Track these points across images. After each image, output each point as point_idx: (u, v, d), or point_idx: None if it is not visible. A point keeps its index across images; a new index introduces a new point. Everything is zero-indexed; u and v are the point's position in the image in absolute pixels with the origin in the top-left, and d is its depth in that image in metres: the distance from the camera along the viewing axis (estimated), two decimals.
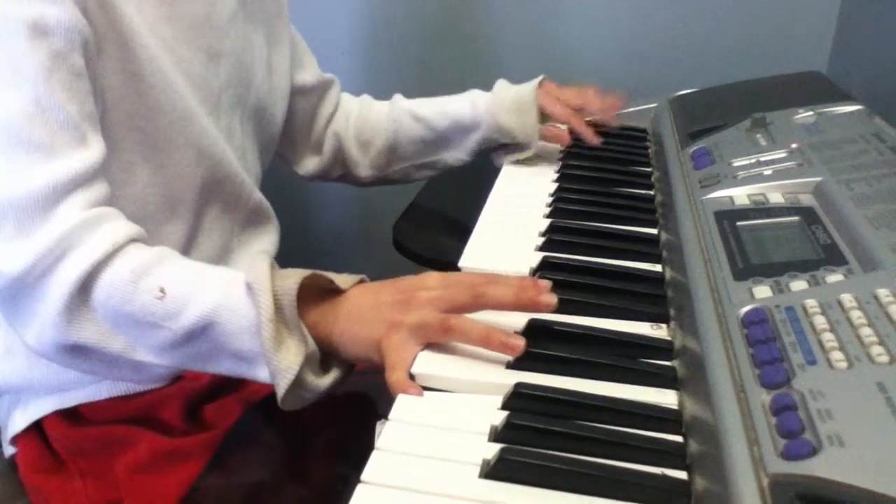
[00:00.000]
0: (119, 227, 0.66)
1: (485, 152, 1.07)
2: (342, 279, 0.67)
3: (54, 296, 0.63)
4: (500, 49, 1.54)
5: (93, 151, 0.67)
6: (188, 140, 0.77)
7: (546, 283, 0.63)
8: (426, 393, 0.58)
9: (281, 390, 0.62)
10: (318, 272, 0.65)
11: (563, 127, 1.07)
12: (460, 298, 0.63)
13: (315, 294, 0.65)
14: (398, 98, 1.08)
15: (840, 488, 0.39)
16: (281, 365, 0.61)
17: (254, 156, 0.92)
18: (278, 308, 0.61)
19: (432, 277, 0.65)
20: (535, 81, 1.02)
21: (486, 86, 1.50)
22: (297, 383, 0.62)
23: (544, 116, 1.02)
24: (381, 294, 0.65)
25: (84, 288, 0.63)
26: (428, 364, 0.61)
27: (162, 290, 0.63)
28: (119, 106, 0.72)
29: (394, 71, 1.61)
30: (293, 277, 0.62)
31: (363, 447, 0.52)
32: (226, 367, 0.66)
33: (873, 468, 0.39)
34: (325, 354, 0.65)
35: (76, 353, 0.66)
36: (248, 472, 0.75)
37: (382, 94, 1.60)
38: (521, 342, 0.60)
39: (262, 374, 0.64)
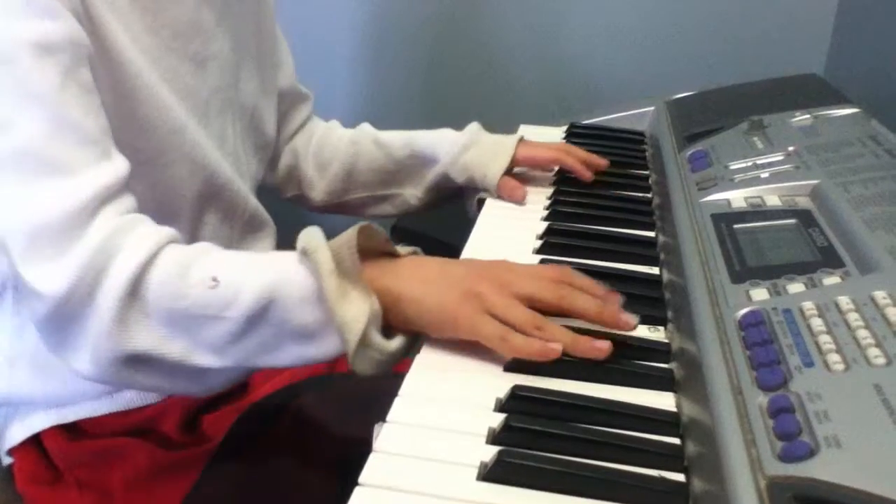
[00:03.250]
0: (155, 229, 0.64)
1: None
2: (401, 249, 0.66)
3: (105, 306, 0.60)
4: (501, 51, 1.54)
5: (117, 164, 0.65)
6: (181, 153, 0.76)
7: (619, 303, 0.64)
8: (425, 393, 0.58)
9: (351, 345, 0.59)
10: (373, 224, 0.63)
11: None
12: (544, 296, 0.63)
13: (371, 254, 0.64)
14: (365, 125, 1.04)
15: (837, 490, 0.39)
16: (347, 317, 0.59)
17: (248, 158, 0.90)
18: (338, 261, 0.60)
19: (505, 264, 0.66)
20: (517, 136, 0.98)
21: (483, 88, 1.50)
22: (365, 341, 0.60)
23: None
24: (448, 264, 0.66)
25: (134, 292, 0.61)
26: (425, 366, 0.61)
27: (214, 279, 0.61)
28: (110, 123, 0.69)
29: (394, 72, 1.61)
30: (347, 231, 0.62)
31: (360, 450, 0.52)
32: (292, 354, 0.63)
33: (870, 469, 0.39)
34: (386, 320, 0.62)
35: (134, 365, 0.62)
36: (243, 480, 0.75)
37: (385, 97, 1.60)
38: (609, 343, 0.60)
39: (331, 346, 0.61)
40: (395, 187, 1.01)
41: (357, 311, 0.60)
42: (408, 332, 0.63)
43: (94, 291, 0.60)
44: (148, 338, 0.61)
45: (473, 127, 0.97)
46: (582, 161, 0.96)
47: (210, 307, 0.61)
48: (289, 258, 0.62)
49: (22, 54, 0.61)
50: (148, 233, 0.63)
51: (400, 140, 0.99)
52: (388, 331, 0.62)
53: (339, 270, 0.60)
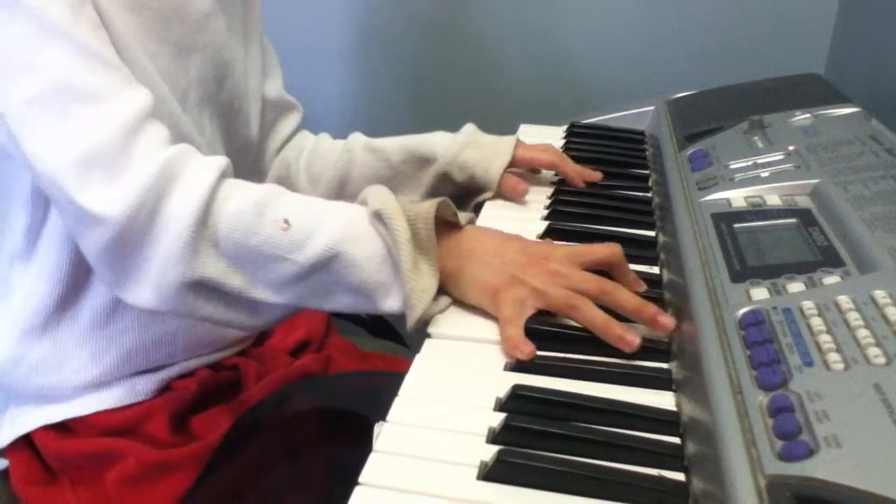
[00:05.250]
0: (211, 158, 0.66)
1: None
2: (461, 215, 0.70)
3: (175, 230, 0.62)
4: (496, 50, 1.54)
5: (142, 90, 0.67)
6: (168, 124, 0.74)
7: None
8: (425, 393, 0.58)
9: (417, 313, 0.64)
10: (447, 200, 0.67)
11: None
12: (586, 287, 0.65)
13: (439, 224, 0.66)
14: (356, 134, 1.02)
15: (837, 489, 0.39)
16: (417, 288, 0.63)
17: (224, 155, 0.89)
18: (414, 232, 0.63)
19: (561, 251, 0.68)
20: (514, 136, 0.98)
21: (481, 87, 1.50)
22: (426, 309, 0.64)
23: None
24: (506, 245, 0.68)
25: (204, 219, 0.63)
26: (425, 366, 0.61)
27: (286, 222, 0.64)
28: None
29: (389, 71, 1.61)
30: (426, 204, 0.65)
31: (360, 450, 0.52)
32: (343, 303, 0.67)
33: (870, 469, 0.39)
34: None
35: (197, 291, 0.65)
36: (242, 480, 0.75)
37: (377, 94, 1.60)
38: (637, 340, 0.62)
39: (386, 304, 0.65)
40: None
41: (426, 283, 0.64)
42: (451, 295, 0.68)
43: (159, 215, 0.63)
44: (214, 266, 0.64)
45: (470, 128, 0.97)
46: (575, 170, 0.96)
47: (278, 248, 0.64)
48: (360, 216, 0.66)
49: None
50: (207, 161, 0.65)
51: (394, 145, 0.97)
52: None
53: (414, 241, 0.63)
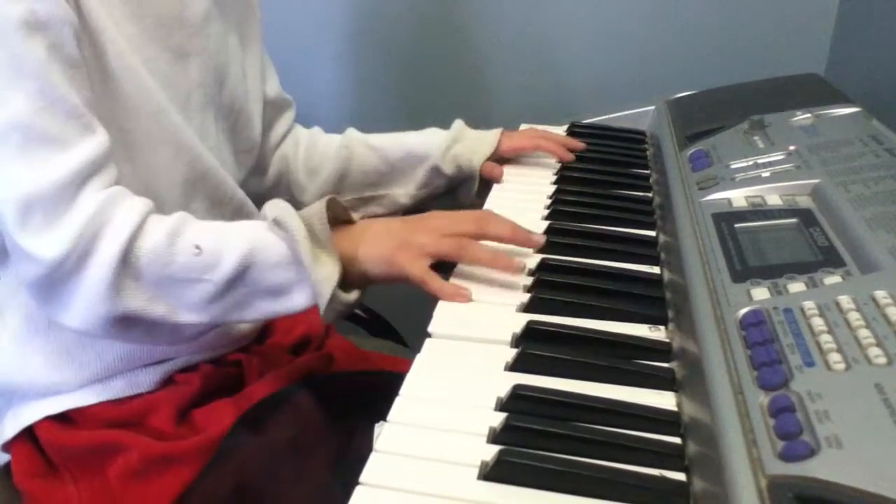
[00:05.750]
0: (139, 200, 0.70)
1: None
2: (352, 214, 0.77)
3: (100, 273, 0.66)
4: (497, 50, 1.54)
5: (100, 137, 0.69)
6: (165, 135, 0.77)
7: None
8: (425, 393, 0.58)
9: (324, 300, 0.68)
10: (336, 197, 0.74)
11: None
12: (466, 229, 0.74)
13: (333, 221, 0.72)
14: (351, 130, 1.07)
15: (838, 489, 0.39)
16: (320, 277, 0.68)
17: (231, 158, 0.90)
18: (310, 229, 0.69)
19: (436, 213, 0.77)
20: (499, 129, 1.06)
21: (482, 87, 1.50)
22: (332, 297, 0.68)
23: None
24: (391, 223, 0.76)
25: (125, 259, 0.67)
26: (426, 366, 0.61)
27: (197, 247, 0.68)
28: (99, 102, 0.72)
29: (389, 72, 1.61)
30: (317, 203, 0.72)
31: (361, 450, 0.52)
32: (262, 310, 0.71)
33: (871, 469, 0.39)
34: (344, 277, 0.71)
35: (122, 324, 0.69)
36: (242, 480, 0.75)
37: (374, 95, 1.60)
38: (524, 262, 0.73)
39: (300, 299, 0.70)
40: (382, 188, 1.07)
41: (328, 272, 0.69)
42: (362, 285, 0.73)
43: (88, 258, 0.66)
44: (137, 300, 0.68)
45: (458, 124, 1.05)
46: (559, 144, 1.04)
47: (194, 271, 0.68)
48: (261, 226, 0.71)
49: (12, 34, 0.65)
50: (133, 204, 0.69)
51: (391, 142, 1.04)
52: (345, 285, 0.71)
53: (311, 237, 0.69)
